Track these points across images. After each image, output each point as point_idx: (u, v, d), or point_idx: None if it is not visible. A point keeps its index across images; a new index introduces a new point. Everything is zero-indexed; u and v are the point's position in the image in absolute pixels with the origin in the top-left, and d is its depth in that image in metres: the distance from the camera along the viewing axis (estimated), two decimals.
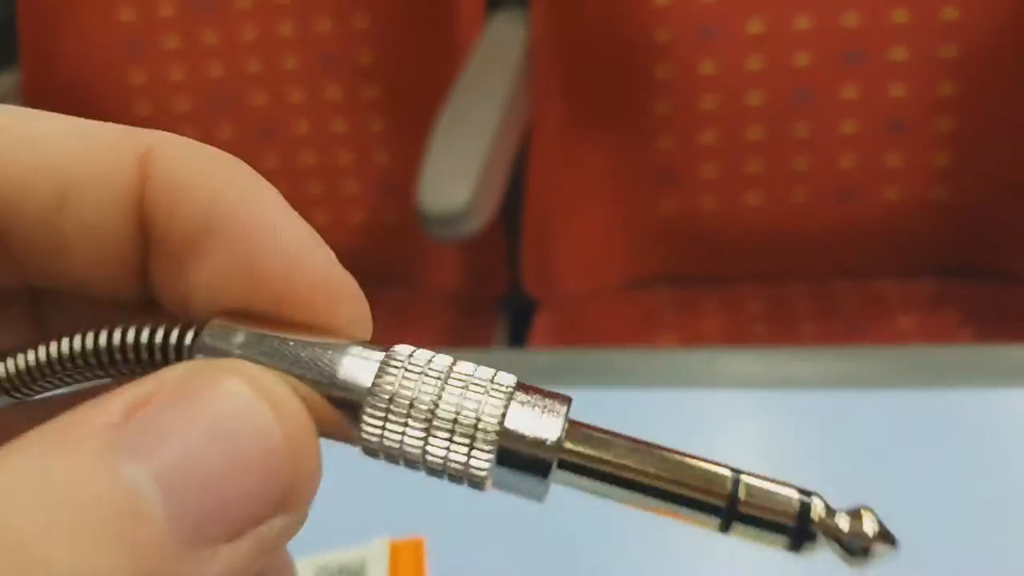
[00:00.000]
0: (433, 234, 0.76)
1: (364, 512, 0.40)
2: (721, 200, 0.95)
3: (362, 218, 1.05)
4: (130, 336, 0.15)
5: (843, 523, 0.13)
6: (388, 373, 0.14)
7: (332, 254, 0.15)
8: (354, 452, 0.14)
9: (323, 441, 0.14)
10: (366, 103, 1.02)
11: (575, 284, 0.98)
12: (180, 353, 0.15)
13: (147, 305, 0.16)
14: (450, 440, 0.13)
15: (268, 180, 0.15)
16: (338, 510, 0.41)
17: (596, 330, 0.94)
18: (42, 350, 0.15)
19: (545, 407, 0.14)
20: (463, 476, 0.14)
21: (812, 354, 0.48)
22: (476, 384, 0.14)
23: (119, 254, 0.15)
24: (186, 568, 0.11)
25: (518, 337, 0.96)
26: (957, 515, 0.38)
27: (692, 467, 0.13)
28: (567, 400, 0.14)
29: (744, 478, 0.13)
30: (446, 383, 0.14)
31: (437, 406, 0.13)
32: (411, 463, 0.14)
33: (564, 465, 0.13)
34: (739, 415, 0.45)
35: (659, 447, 0.14)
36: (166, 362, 0.15)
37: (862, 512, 0.13)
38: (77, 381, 0.16)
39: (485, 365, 0.14)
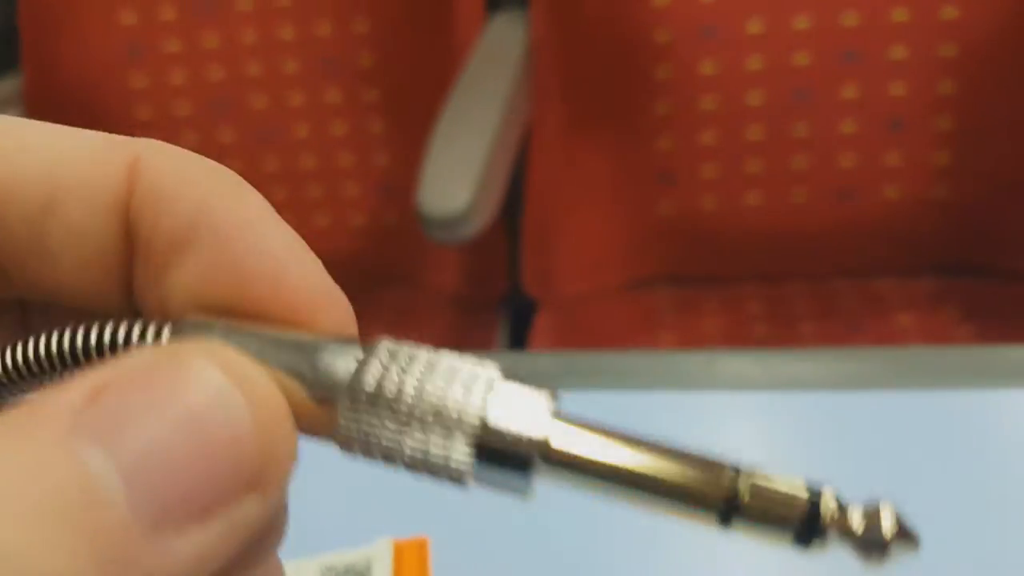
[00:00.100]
0: (433, 236, 0.76)
1: (368, 512, 0.40)
2: (721, 200, 0.95)
3: (363, 220, 1.05)
4: (107, 333, 0.15)
5: (857, 519, 0.12)
6: (368, 366, 0.13)
7: (318, 261, 0.15)
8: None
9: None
10: (366, 106, 1.02)
11: (575, 284, 0.98)
12: None
13: (132, 315, 0.16)
14: (429, 435, 0.13)
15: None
16: (343, 511, 0.41)
17: (596, 330, 0.94)
18: (19, 350, 0.15)
19: (529, 401, 0.13)
20: (442, 472, 0.13)
21: (812, 355, 0.48)
22: (458, 378, 0.13)
23: (104, 262, 0.15)
24: (153, 551, 0.11)
25: (518, 338, 0.96)
26: (957, 516, 0.38)
27: (688, 460, 0.13)
28: (552, 394, 0.13)
29: (745, 470, 0.13)
30: (427, 376, 0.13)
31: (417, 400, 0.13)
32: (389, 459, 0.13)
33: (548, 461, 0.13)
34: (739, 417, 0.45)
35: (650, 441, 0.13)
36: None
37: (880, 507, 0.12)
38: (55, 382, 0.15)
39: None
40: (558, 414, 0.13)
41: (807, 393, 0.45)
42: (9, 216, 0.15)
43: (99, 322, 0.15)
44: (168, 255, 0.15)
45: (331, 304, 0.15)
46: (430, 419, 0.13)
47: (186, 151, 0.15)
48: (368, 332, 0.15)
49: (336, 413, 0.13)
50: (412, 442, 0.13)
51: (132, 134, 0.16)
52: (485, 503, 0.39)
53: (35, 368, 0.15)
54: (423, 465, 0.13)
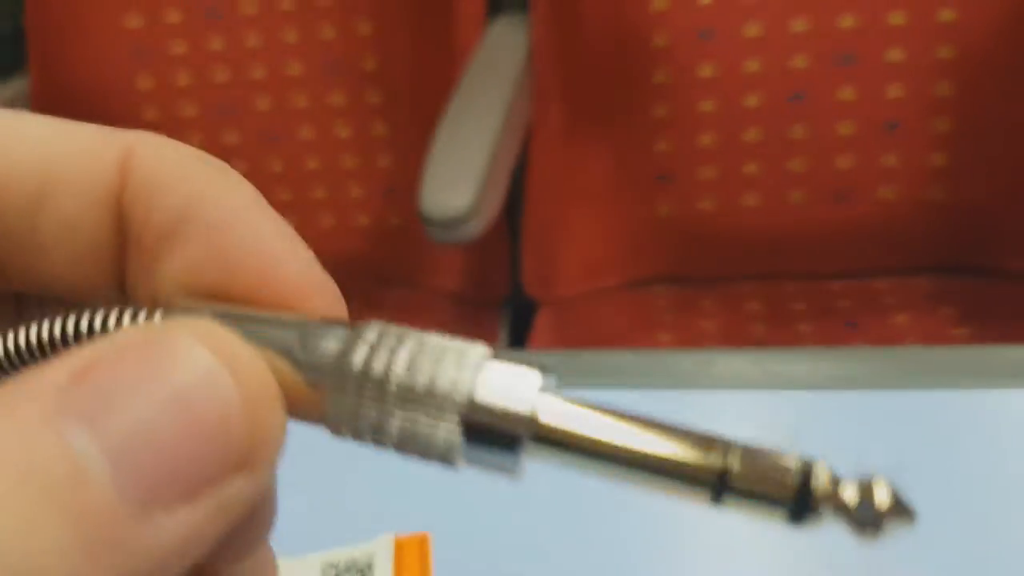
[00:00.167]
0: (435, 237, 0.76)
1: (370, 508, 0.40)
2: (719, 201, 0.96)
3: (366, 221, 1.06)
4: (98, 319, 0.14)
5: (851, 493, 0.12)
6: (357, 345, 0.13)
7: (310, 252, 0.15)
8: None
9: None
10: (369, 108, 1.03)
11: (575, 285, 0.98)
12: None
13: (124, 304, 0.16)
14: (418, 413, 0.13)
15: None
16: (344, 507, 0.42)
17: (596, 330, 0.94)
18: (10, 338, 0.15)
19: (518, 379, 0.13)
20: (432, 451, 0.13)
21: (809, 355, 0.48)
22: (446, 357, 0.13)
23: (96, 255, 0.15)
24: (139, 532, 0.11)
25: (519, 337, 0.97)
26: (955, 516, 0.37)
27: (679, 436, 0.12)
28: (543, 371, 0.13)
29: (737, 446, 0.12)
30: (416, 356, 0.13)
31: (405, 378, 0.13)
32: (378, 439, 0.13)
33: (537, 437, 0.13)
34: (737, 416, 0.45)
35: (642, 417, 0.13)
36: None
37: (874, 481, 0.12)
38: None
39: None
40: (547, 391, 0.13)
41: (805, 393, 0.45)
42: (1, 209, 0.15)
43: (90, 309, 0.15)
44: (159, 246, 0.15)
45: (321, 292, 0.15)
46: (419, 397, 0.13)
47: (179, 144, 0.15)
48: None
49: (325, 393, 0.13)
50: (400, 421, 0.13)
51: None
52: (487, 499, 0.39)
53: (27, 356, 0.15)
54: (412, 445, 0.13)
